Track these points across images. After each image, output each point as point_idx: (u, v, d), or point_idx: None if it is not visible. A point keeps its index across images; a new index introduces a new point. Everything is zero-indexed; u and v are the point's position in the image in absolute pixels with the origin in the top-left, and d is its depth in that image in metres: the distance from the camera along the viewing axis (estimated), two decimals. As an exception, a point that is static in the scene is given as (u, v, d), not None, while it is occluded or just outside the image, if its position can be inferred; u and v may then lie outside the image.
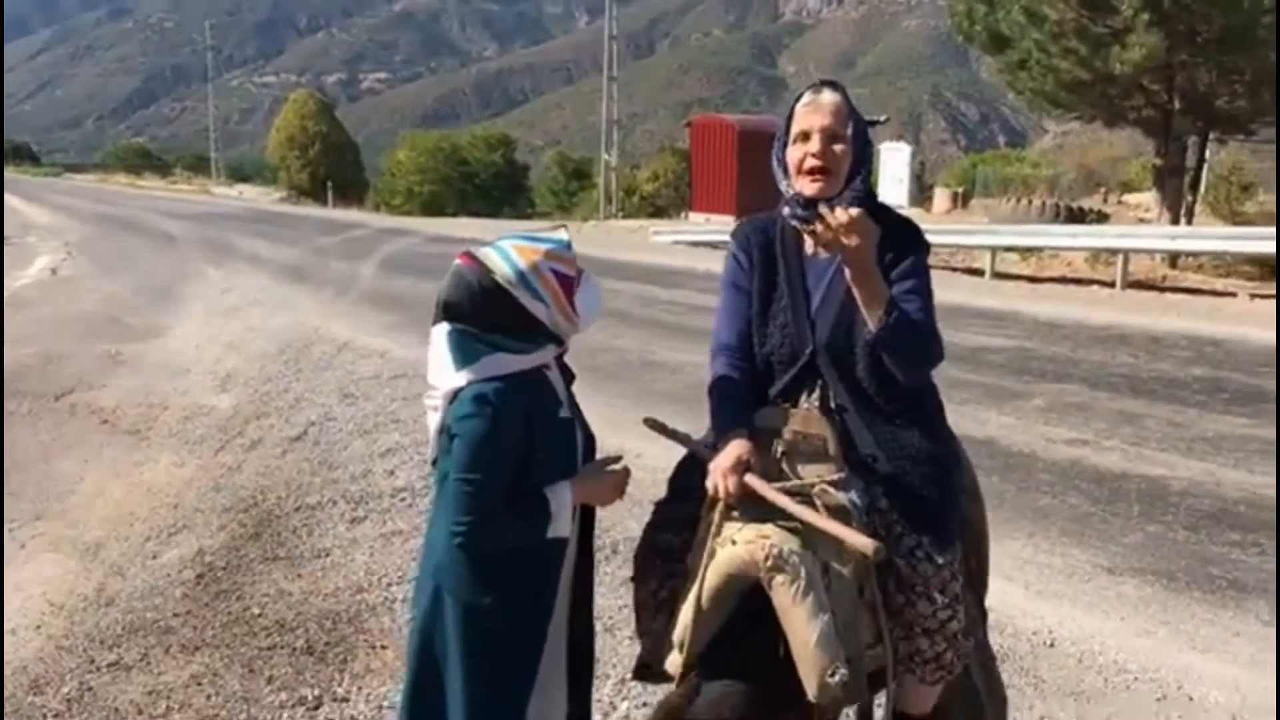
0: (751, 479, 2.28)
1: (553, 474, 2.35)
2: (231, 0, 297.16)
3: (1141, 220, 19.79)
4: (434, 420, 2.39)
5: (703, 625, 2.25)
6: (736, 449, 2.33)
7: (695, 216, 29.96)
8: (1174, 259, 16.10)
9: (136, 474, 6.82)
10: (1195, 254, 16.00)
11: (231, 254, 20.80)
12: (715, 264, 18.84)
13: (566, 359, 2.51)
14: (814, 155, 2.42)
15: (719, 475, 2.31)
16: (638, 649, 2.67)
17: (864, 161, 2.47)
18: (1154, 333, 10.92)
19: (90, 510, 6.10)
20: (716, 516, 2.31)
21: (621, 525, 5.46)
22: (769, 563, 2.15)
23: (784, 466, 2.35)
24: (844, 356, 2.46)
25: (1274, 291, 13.79)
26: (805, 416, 2.41)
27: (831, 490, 2.27)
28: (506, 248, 2.33)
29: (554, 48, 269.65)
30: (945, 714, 2.51)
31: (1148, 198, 21.01)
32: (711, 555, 2.27)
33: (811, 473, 2.32)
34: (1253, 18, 13.61)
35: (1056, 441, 7.02)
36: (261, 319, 12.48)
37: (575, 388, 2.53)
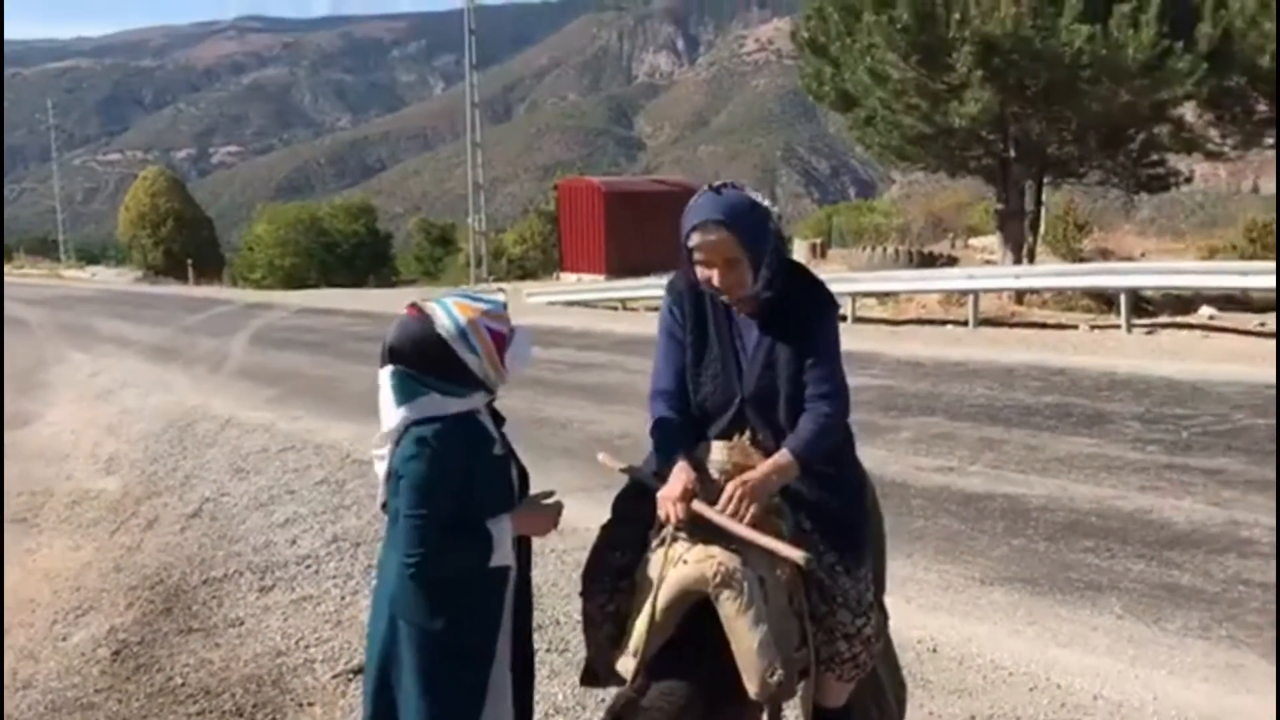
0: (697, 504, 2.61)
1: (492, 507, 2.62)
2: (70, 78, 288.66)
3: (987, 261, 20.94)
4: (381, 468, 2.66)
5: (656, 633, 2.57)
6: (682, 478, 2.65)
7: (567, 276, 30.44)
8: (1020, 296, 17.13)
9: (30, 561, 6.76)
10: (1038, 290, 17.05)
11: (95, 337, 20.30)
12: (591, 322, 19.24)
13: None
14: (717, 284, 2.72)
15: (668, 502, 2.62)
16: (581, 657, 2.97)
17: (764, 254, 2.71)
18: (1006, 365, 11.68)
19: (-12, 599, 6.05)
20: (665, 538, 2.63)
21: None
22: (717, 579, 2.51)
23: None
24: (769, 407, 2.79)
25: (1112, 322, 14.85)
26: (744, 450, 2.75)
27: (770, 516, 2.64)
28: (449, 304, 2.63)
29: (409, 115, 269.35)
30: (856, 705, 2.87)
31: (992, 240, 22.25)
32: (662, 573, 2.58)
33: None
34: (1073, 73, 14.74)
35: (925, 469, 7.53)
36: (137, 400, 12.31)
37: None
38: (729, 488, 2.61)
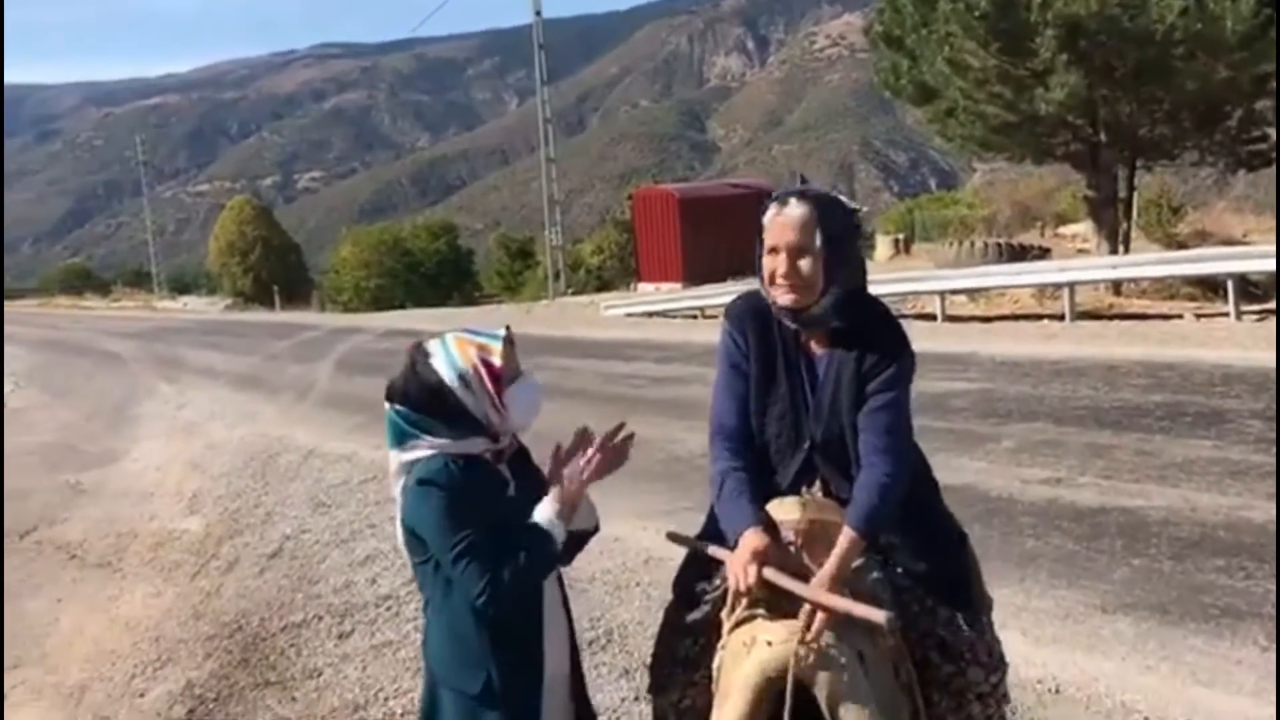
0: (770, 572, 2.29)
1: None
2: (158, 114, 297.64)
3: (1080, 251, 20.20)
4: (398, 514, 2.47)
5: None
6: (753, 541, 2.33)
7: (644, 287, 30.20)
8: (1117, 286, 16.42)
9: (113, 608, 6.68)
10: (1136, 280, 16.33)
11: (183, 368, 20.59)
12: (670, 334, 18.97)
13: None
14: (781, 275, 2.46)
15: (738, 568, 2.31)
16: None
17: (843, 263, 2.45)
18: (1110, 362, 11.10)
19: (69, 652, 5.96)
20: (738, 615, 2.31)
21: (611, 613, 5.43)
22: (809, 660, 2.16)
23: (803, 557, 2.36)
24: (840, 454, 2.48)
25: (1220, 310, 14.11)
26: (819, 505, 2.43)
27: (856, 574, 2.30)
28: (449, 339, 2.46)
29: (486, 132, 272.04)
30: None
31: (1084, 228, 21.48)
32: (739, 655, 2.26)
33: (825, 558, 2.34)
34: (1166, 50, 14.09)
35: (1031, 482, 7.08)
36: (222, 433, 12.34)
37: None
38: (808, 595, 2.27)
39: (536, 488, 2.49)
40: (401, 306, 41.91)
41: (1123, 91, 15.47)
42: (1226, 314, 13.67)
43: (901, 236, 30.40)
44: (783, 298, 2.48)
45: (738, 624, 2.34)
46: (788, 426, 2.52)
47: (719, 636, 2.43)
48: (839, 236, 2.44)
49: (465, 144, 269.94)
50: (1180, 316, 14.34)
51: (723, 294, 21.77)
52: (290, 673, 5.27)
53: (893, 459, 2.41)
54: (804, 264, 2.44)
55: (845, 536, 2.34)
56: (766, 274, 2.50)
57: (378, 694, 4.94)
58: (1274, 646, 4.43)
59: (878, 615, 2.16)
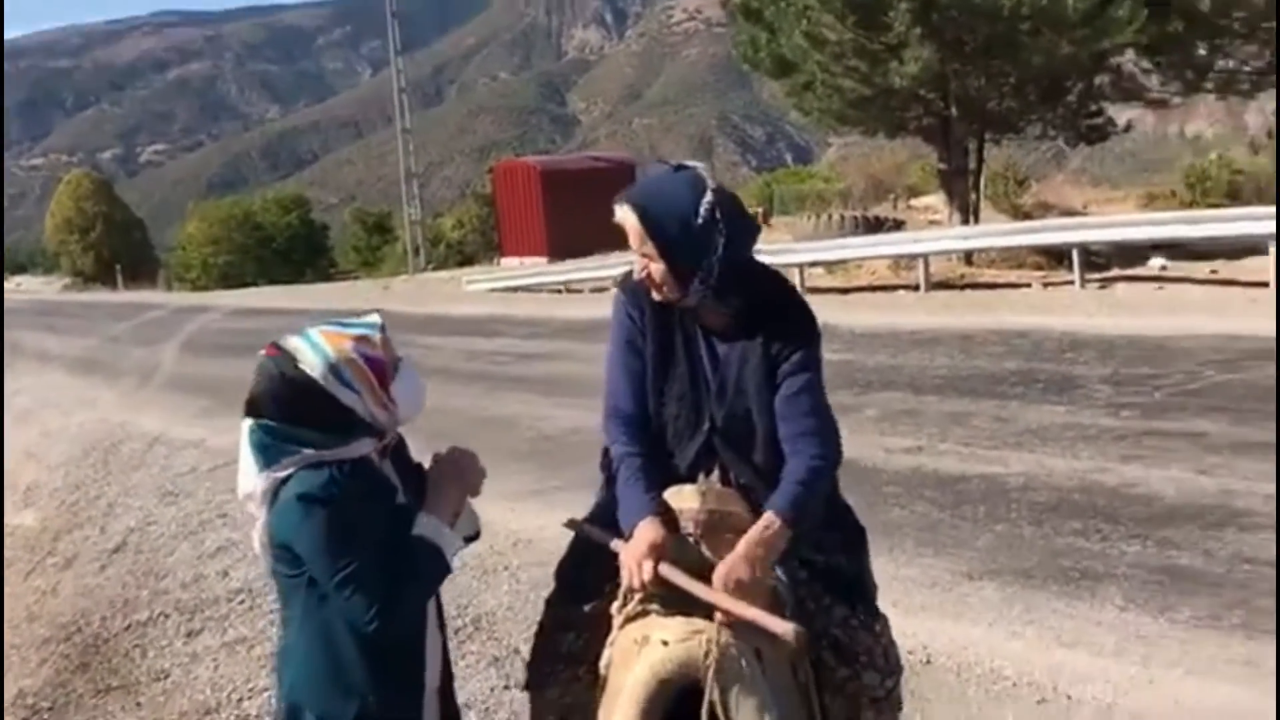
0: (665, 568, 2.15)
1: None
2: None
3: (932, 222, 20.69)
4: (258, 532, 2.23)
5: None
6: (649, 534, 2.19)
7: (508, 261, 29.84)
8: (969, 257, 16.88)
9: (-64, 614, 6.19)
10: (985, 250, 16.80)
11: (16, 353, 19.42)
12: (535, 309, 18.73)
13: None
14: (638, 273, 2.37)
15: (633, 563, 2.17)
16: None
17: (697, 253, 2.27)
18: (964, 331, 11.36)
19: (-114, 664, 5.49)
20: (629, 611, 2.18)
21: (478, 600, 5.28)
22: (708, 661, 2.02)
23: (702, 548, 2.23)
24: (743, 441, 2.36)
25: (1065, 279, 14.63)
26: (719, 494, 2.31)
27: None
28: (314, 335, 2.19)
29: (338, 104, 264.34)
30: None
31: (935, 200, 22.03)
32: (630, 654, 2.12)
33: (726, 550, 2.21)
34: (1012, 25, 14.46)
35: (894, 451, 7.16)
36: (59, 421, 11.66)
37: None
38: (716, 580, 2.14)
39: (418, 486, 2.29)
40: (253, 284, 40.49)
41: (972, 66, 15.85)
42: (1072, 282, 14.18)
43: (760, 210, 30.72)
44: (654, 294, 2.37)
45: (629, 619, 2.20)
46: (687, 408, 2.38)
47: (606, 630, 2.29)
48: (675, 234, 2.27)
49: (317, 115, 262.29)
50: (1029, 285, 14.81)
51: (588, 269, 21.66)
52: (135, 676, 4.96)
53: (820, 441, 2.30)
54: (652, 269, 2.32)
55: (766, 519, 2.21)
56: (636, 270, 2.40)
57: (231, 695, 4.69)
58: (1132, 606, 4.55)
59: (785, 629, 2.04)
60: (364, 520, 2.11)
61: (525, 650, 4.65)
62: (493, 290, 23.40)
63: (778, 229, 25.70)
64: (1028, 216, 21.36)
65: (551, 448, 8.06)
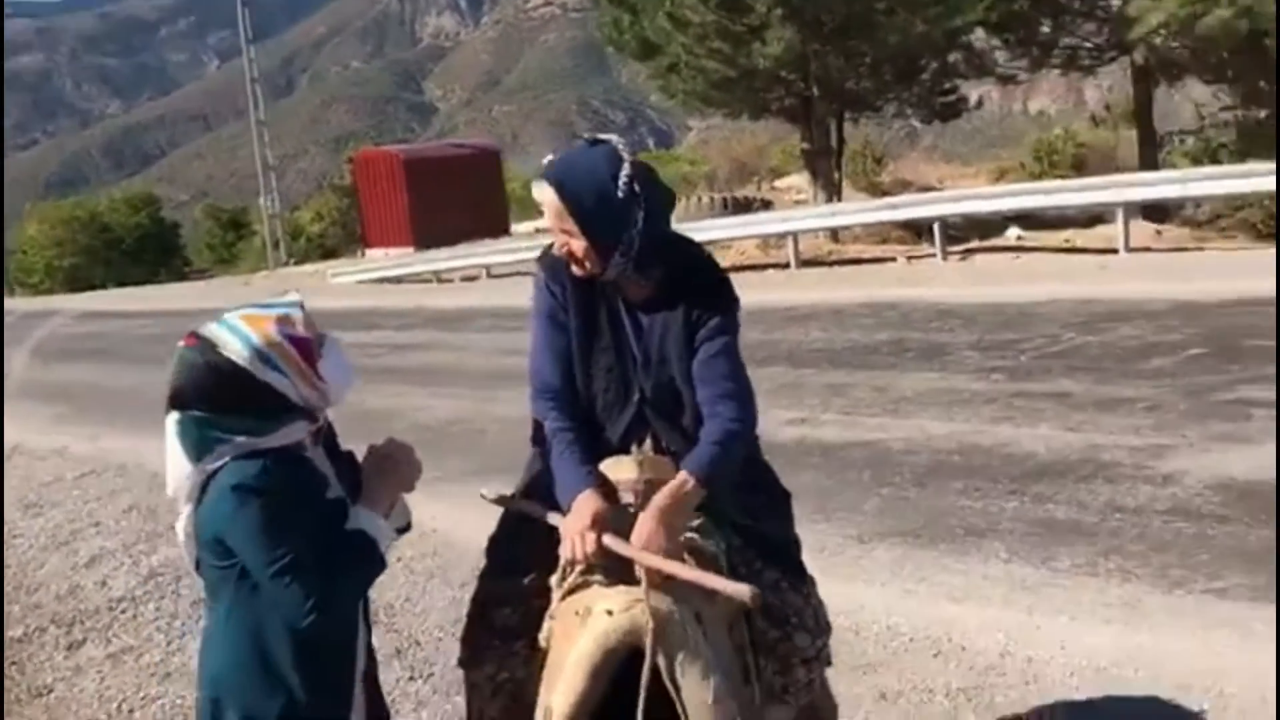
0: (608, 539, 2.15)
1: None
2: None
3: (797, 202, 21.12)
4: (183, 524, 2.16)
5: (583, 705, 2.07)
6: (590, 506, 2.20)
7: (373, 253, 29.27)
8: (835, 234, 17.28)
9: None
10: (850, 227, 17.23)
11: None
12: (406, 300, 18.44)
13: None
14: (558, 249, 2.37)
15: (575, 535, 2.17)
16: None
17: (614, 227, 2.27)
18: (836, 305, 11.64)
19: None
20: (570, 583, 2.18)
21: (374, 592, 5.18)
22: (652, 628, 2.03)
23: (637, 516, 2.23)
24: (672, 409, 2.38)
25: (928, 252, 15.10)
26: (655, 463, 2.31)
27: (698, 538, 2.20)
28: (233, 320, 2.11)
29: (184, 97, 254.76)
30: None
31: (799, 180, 22.48)
32: (579, 628, 2.11)
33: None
34: (869, 5, 14.85)
35: (779, 423, 7.29)
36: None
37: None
38: (635, 536, 2.16)
39: (349, 475, 2.23)
40: (102, 286, 38.80)
41: (832, 46, 16.23)
42: (934, 255, 14.66)
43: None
44: (575, 270, 2.37)
45: (570, 592, 2.20)
46: (615, 380, 2.39)
47: (543, 604, 2.29)
48: (593, 208, 2.27)
49: (162, 109, 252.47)
50: (894, 260, 15.26)
51: (457, 258, 21.42)
52: (15, 694, 4.72)
53: (736, 404, 2.32)
54: (573, 244, 2.32)
55: (679, 479, 2.23)
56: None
57: (121, 705, 4.50)
58: (1015, 558, 4.75)
59: (739, 589, 2.06)
60: (298, 511, 2.06)
61: (424, 639, 4.66)
62: (360, 282, 22.98)
63: (646, 213, 25.88)
64: (886, 194, 22.00)
65: (431, 438, 7.96)
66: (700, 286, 2.39)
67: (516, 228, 31.28)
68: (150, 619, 5.34)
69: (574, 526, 2.19)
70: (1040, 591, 4.42)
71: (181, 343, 2.13)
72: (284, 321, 2.10)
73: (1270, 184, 12.91)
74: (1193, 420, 6.25)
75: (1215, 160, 16.96)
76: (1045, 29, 16.68)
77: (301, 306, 2.16)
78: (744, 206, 19.80)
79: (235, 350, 2.05)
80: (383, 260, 26.25)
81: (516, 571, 2.37)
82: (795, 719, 2.42)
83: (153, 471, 7.96)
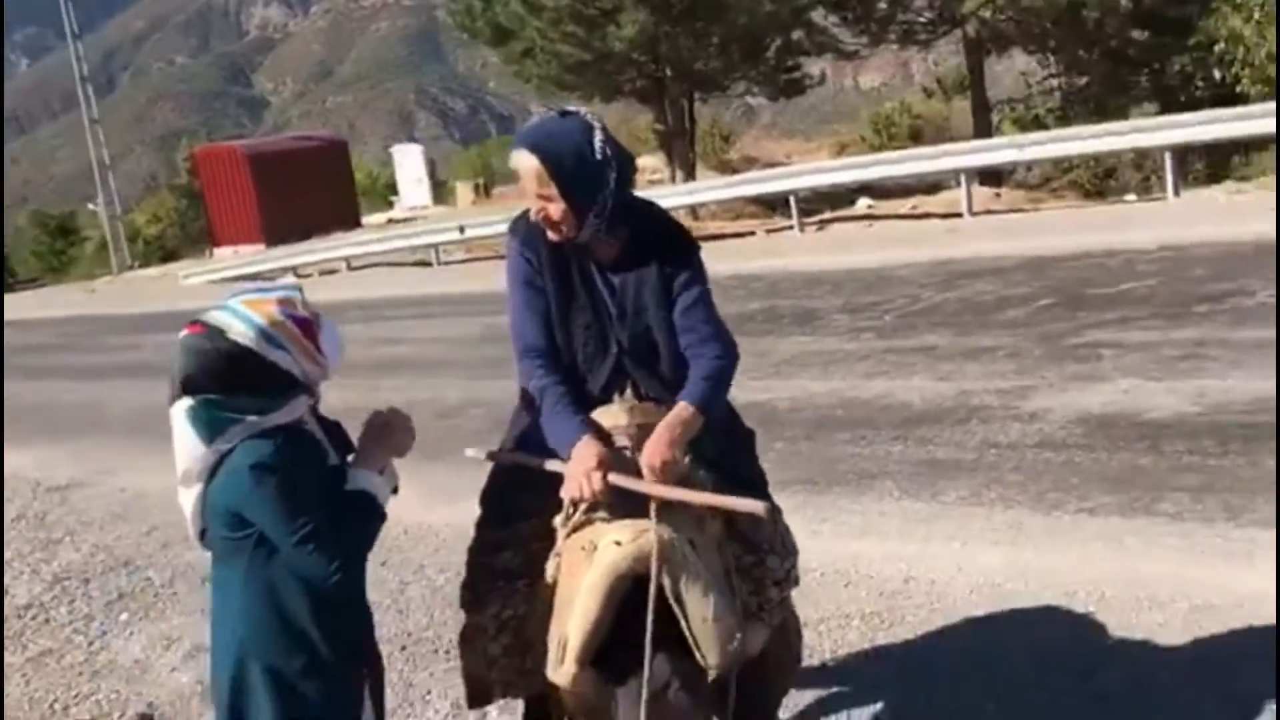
0: (615, 477, 2.34)
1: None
2: None
3: (652, 182, 21.47)
4: (189, 500, 2.30)
5: (597, 629, 2.28)
6: (591, 450, 2.38)
7: (222, 251, 28.41)
8: (695, 211, 17.69)
9: None
10: (707, 203, 17.67)
11: None
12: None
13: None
14: (535, 215, 2.50)
15: (583, 478, 2.35)
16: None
17: (591, 190, 2.45)
18: (705, 279, 11.98)
19: None
20: (575, 522, 2.37)
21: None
22: (658, 552, 2.23)
23: (639, 460, 2.42)
24: (649, 359, 2.57)
25: (784, 225, 15.65)
26: (643, 409, 2.50)
27: (689, 472, 2.42)
28: (236, 305, 2.26)
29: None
30: (771, 647, 2.71)
31: (652, 161, 22.83)
32: (589, 561, 2.30)
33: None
34: (716, -14, 15.27)
35: (668, 392, 7.59)
36: None
37: None
38: (645, 462, 2.38)
39: (342, 444, 2.40)
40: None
41: (681, 28, 16.59)
42: (791, 227, 15.20)
43: (481, 182, 30.80)
44: (549, 232, 2.52)
45: (574, 530, 2.39)
46: (594, 335, 2.56)
47: (543, 545, 2.47)
48: (572, 171, 2.43)
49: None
50: (753, 233, 15.74)
51: (311, 252, 21.07)
52: (-62, 711, 4.65)
53: (719, 343, 2.56)
54: (551, 209, 2.46)
55: (681, 407, 2.45)
56: (531, 211, 2.54)
57: (53, 705, 4.49)
58: (906, 496, 5.15)
59: (758, 507, 2.28)
60: (309, 482, 2.22)
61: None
62: (213, 283, 22.35)
63: (501, 199, 25.89)
64: (735, 171, 22.58)
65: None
66: (668, 242, 2.61)
67: (366, 219, 30.86)
68: (64, 622, 5.30)
69: (579, 468, 2.37)
70: (933, 523, 4.82)
71: (185, 331, 2.26)
72: (285, 303, 2.26)
73: (1094, 146, 13.90)
74: (1050, 363, 6.81)
75: (1042, 126, 18.06)
76: (882, 5, 17.39)
77: (299, 289, 2.32)
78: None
79: (241, 333, 2.20)
80: (233, 259, 25.58)
81: (514, 519, 2.56)
82: (769, 636, 2.69)
83: (34, 480, 7.79)
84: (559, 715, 2.48)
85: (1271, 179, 13.46)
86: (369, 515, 2.31)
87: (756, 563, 2.60)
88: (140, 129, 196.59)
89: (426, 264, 18.36)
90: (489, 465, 2.79)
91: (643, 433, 2.46)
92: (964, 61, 19.41)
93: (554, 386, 2.53)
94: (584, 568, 2.30)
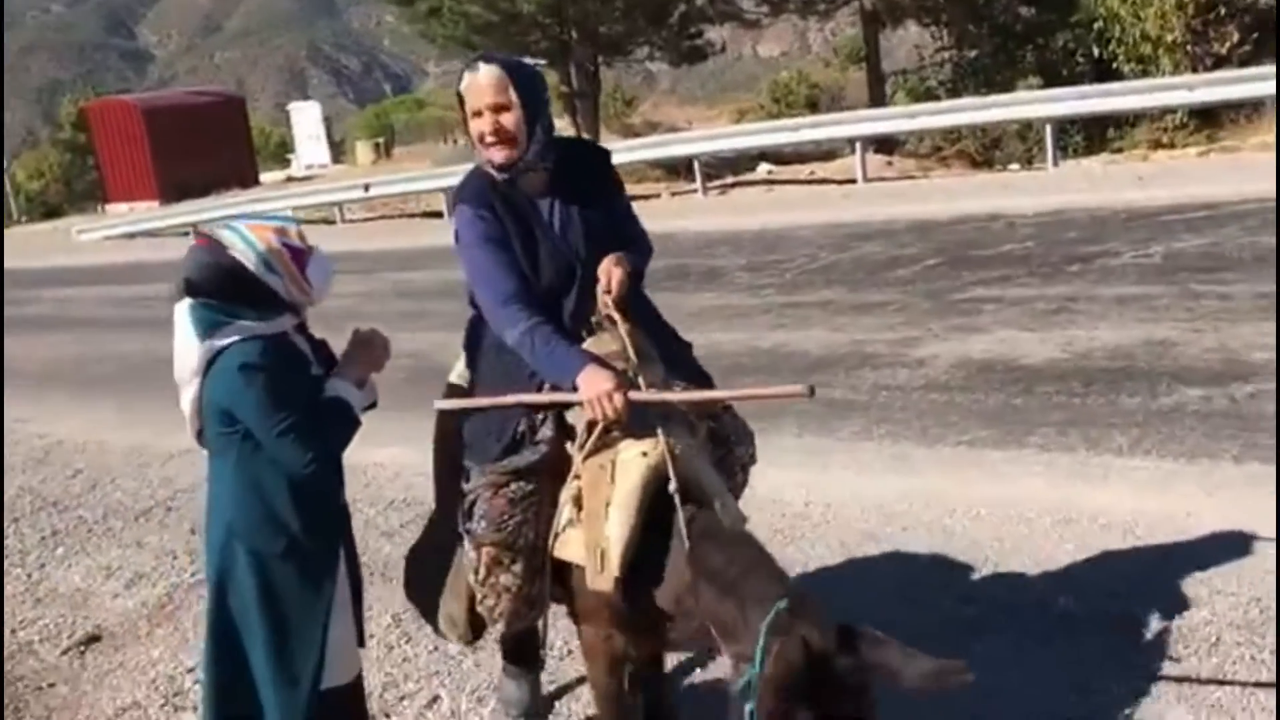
0: (634, 394, 2.54)
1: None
2: None
3: (557, 143, 21.67)
4: (188, 398, 2.59)
5: (635, 529, 2.45)
6: (605, 373, 2.56)
7: (116, 207, 27.68)
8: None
9: None
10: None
11: None
12: (165, 253, 17.70)
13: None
14: (490, 133, 2.68)
15: (604, 399, 2.51)
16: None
17: (541, 112, 2.71)
18: (611, 238, 12.34)
19: None
20: (591, 445, 2.58)
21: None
22: (679, 457, 2.48)
23: (640, 380, 2.63)
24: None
25: (688, 188, 16.05)
26: (629, 331, 2.70)
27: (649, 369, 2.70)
28: (240, 227, 2.55)
29: None
30: None
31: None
32: (600, 478, 2.52)
33: (651, 374, 2.67)
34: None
35: (581, 343, 7.97)
36: None
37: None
38: (603, 277, 2.68)
39: (326, 360, 2.70)
40: None
41: (587, -9, 16.82)
42: (695, 190, 15.64)
43: (381, 141, 30.56)
44: (496, 155, 2.69)
45: (591, 453, 2.57)
46: (560, 264, 2.76)
47: (554, 472, 2.69)
48: (531, 89, 2.70)
49: None
50: (659, 196, 16.13)
51: (208, 209, 20.81)
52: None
53: (645, 240, 2.95)
54: (506, 119, 2.66)
55: (617, 256, 2.75)
56: (476, 137, 2.72)
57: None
58: (805, 433, 5.62)
59: (795, 389, 2.45)
60: (292, 383, 2.54)
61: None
62: (108, 239, 21.92)
63: (406, 159, 25.76)
64: (637, 134, 22.91)
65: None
66: (586, 159, 2.90)
67: (264, 177, 30.41)
68: (-4, 559, 5.46)
69: (598, 392, 2.52)
70: (829, 455, 5.30)
71: (194, 243, 2.58)
72: (282, 232, 2.56)
73: (981, 117, 14.62)
74: (935, 316, 7.37)
75: (933, 97, 18.77)
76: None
77: (296, 221, 2.63)
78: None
79: (242, 252, 2.51)
80: (127, 215, 25.02)
81: (526, 446, 2.74)
82: None
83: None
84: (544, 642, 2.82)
85: (1143, 150, 14.38)
86: (343, 419, 2.62)
87: (726, 453, 2.90)
88: (14, 81, 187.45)
89: (330, 222, 18.34)
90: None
91: (639, 354, 2.66)
92: (861, 33, 20.05)
93: (541, 325, 2.66)
94: (605, 484, 2.51)
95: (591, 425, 2.59)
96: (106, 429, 7.38)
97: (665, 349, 2.85)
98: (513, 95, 2.67)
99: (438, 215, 17.64)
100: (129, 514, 5.79)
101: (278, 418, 2.48)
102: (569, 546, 2.63)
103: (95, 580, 5.01)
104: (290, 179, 29.08)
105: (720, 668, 2.78)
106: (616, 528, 2.46)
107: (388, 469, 5.75)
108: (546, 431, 2.73)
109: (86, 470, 6.63)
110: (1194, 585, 3.62)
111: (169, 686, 3.94)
